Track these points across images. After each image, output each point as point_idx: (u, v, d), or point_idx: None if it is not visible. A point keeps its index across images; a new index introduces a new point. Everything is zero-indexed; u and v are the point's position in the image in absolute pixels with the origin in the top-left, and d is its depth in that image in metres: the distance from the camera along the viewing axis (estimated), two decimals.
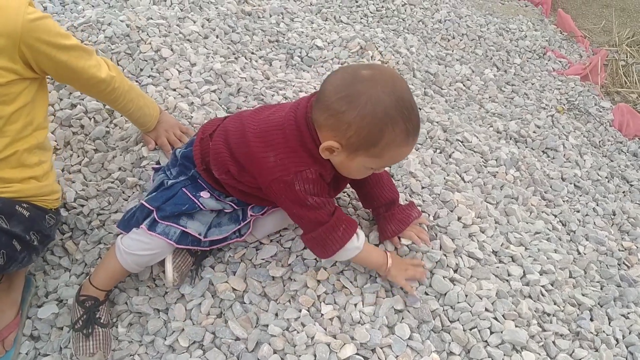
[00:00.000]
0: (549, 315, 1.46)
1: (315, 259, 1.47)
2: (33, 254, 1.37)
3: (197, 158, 1.41)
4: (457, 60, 2.96)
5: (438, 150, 2.00)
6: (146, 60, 2.06)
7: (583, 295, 1.57)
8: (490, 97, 2.74)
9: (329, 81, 1.16)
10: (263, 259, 1.49)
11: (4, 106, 1.25)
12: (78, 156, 1.80)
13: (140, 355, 1.41)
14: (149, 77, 2.02)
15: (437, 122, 2.14)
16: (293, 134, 1.22)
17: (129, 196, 1.68)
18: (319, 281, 1.43)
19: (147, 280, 1.51)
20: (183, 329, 1.40)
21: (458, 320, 1.38)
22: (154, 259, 1.41)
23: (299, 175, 1.21)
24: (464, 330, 1.36)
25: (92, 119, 1.88)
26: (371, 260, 1.40)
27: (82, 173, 1.76)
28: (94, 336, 1.39)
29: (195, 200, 1.38)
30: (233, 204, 1.43)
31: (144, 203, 1.40)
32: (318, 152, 1.20)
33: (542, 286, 1.52)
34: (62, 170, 1.73)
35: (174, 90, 1.99)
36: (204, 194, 1.40)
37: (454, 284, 1.44)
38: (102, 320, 1.41)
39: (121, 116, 1.89)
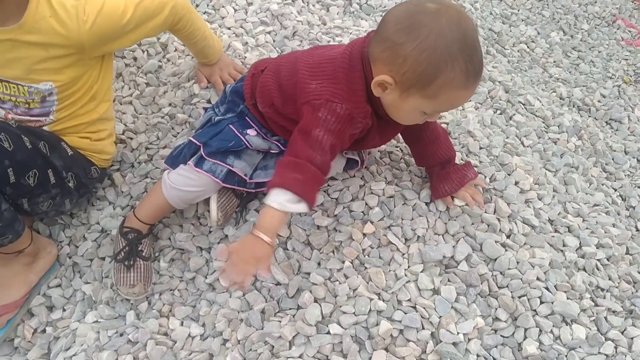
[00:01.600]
0: (602, 290, 1.39)
1: (363, 211, 1.43)
2: (66, 198, 1.38)
3: (247, 92, 1.37)
4: (522, 20, 2.81)
5: (499, 111, 1.90)
6: None
7: (639, 272, 1.50)
8: (554, 62, 2.60)
9: (390, 12, 1.10)
10: None
11: (68, 85, 1.30)
12: (129, 88, 1.78)
13: (180, 291, 1.41)
14: (204, 13, 1.97)
15: (499, 82, 2.04)
16: (343, 67, 1.17)
17: (178, 132, 1.66)
18: (364, 234, 1.39)
19: (191, 217, 1.50)
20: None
21: (507, 286, 1.33)
22: (200, 196, 1.39)
23: (328, 104, 1.14)
24: (512, 298, 1.31)
25: (146, 52, 1.85)
26: (266, 219, 1.13)
27: (133, 105, 1.74)
28: (135, 268, 1.39)
29: (241, 137, 1.34)
30: (280, 145, 1.38)
31: (192, 139, 1.37)
32: (364, 90, 1.15)
33: (598, 260, 1.45)
34: (114, 101, 1.71)
35: (229, 29, 1.94)
36: (251, 132, 1.36)
37: (506, 250, 1.38)
38: (144, 253, 1.41)
39: (174, 51, 1.86)
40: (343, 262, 1.34)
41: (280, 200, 1.10)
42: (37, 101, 1.28)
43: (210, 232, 1.47)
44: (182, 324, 1.35)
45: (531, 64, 2.50)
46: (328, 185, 1.49)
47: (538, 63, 2.53)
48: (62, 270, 1.47)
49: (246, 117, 1.38)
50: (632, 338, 1.31)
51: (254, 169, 1.38)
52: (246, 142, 1.34)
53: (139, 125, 1.67)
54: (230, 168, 1.33)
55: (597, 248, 1.47)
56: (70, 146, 1.37)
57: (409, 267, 1.34)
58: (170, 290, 1.41)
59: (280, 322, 1.26)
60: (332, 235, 1.40)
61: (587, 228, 1.52)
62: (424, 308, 1.27)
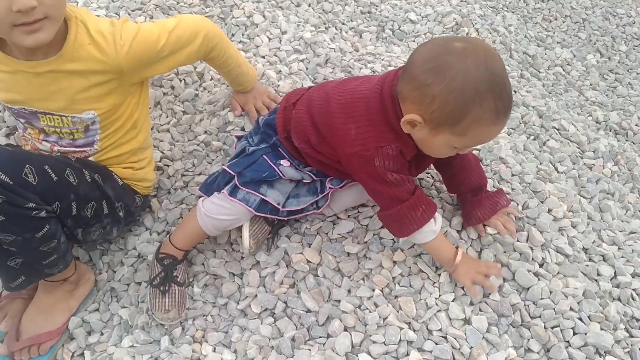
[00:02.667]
0: (637, 320, 1.36)
1: (393, 239, 1.43)
2: (115, 227, 1.45)
3: (280, 126, 1.40)
4: (557, 43, 2.80)
5: (532, 137, 1.89)
6: (238, 26, 2.06)
7: None
8: (591, 85, 2.57)
9: (417, 52, 1.13)
10: (339, 234, 1.47)
11: (110, 113, 1.35)
12: (167, 116, 1.83)
13: (213, 317, 1.43)
14: (239, 42, 2.02)
15: (532, 107, 2.03)
16: (376, 106, 1.20)
17: (213, 160, 1.70)
18: (395, 262, 1.39)
19: (224, 244, 1.53)
20: (256, 295, 1.41)
21: (540, 317, 1.31)
22: (233, 224, 1.42)
23: (379, 151, 1.18)
24: (545, 328, 1.29)
25: (183, 81, 1.91)
26: (442, 251, 1.33)
27: (170, 133, 1.79)
28: (170, 293, 1.42)
29: (275, 167, 1.37)
30: (312, 175, 1.42)
31: (226, 168, 1.41)
32: (400, 126, 1.17)
33: (634, 289, 1.42)
34: (152, 129, 1.77)
35: (263, 57, 1.99)
36: (284, 162, 1.39)
37: (539, 279, 1.36)
38: (178, 279, 1.44)
39: (210, 80, 1.91)
40: (373, 290, 1.35)
41: (425, 236, 1.28)
42: (81, 131, 1.33)
43: (242, 258, 1.49)
44: (214, 350, 1.37)
45: (566, 87, 2.48)
46: (358, 212, 1.51)
47: (574, 86, 2.51)
48: (100, 294, 1.51)
49: (279, 149, 1.42)
50: None
51: (286, 198, 1.41)
52: (279, 173, 1.37)
53: (176, 152, 1.72)
54: (263, 197, 1.37)
55: (632, 277, 1.44)
56: (119, 177, 1.43)
57: (439, 295, 1.34)
58: (204, 315, 1.43)
59: (310, 350, 1.27)
60: (362, 263, 1.41)
61: (622, 257, 1.50)
62: (455, 338, 1.27)
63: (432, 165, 1.52)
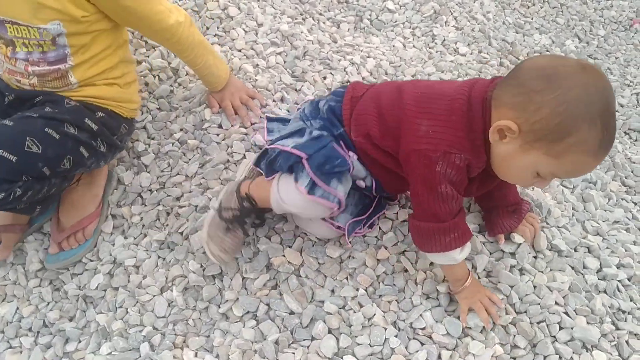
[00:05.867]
0: (624, 312, 1.36)
1: (377, 236, 1.41)
2: (101, 160, 1.49)
3: (347, 116, 1.26)
4: (536, 29, 2.77)
5: None
6: (213, 19, 2.01)
7: None
8: None
9: (530, 60, 1.04)
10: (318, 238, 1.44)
11: (83, 36, 1.35)
12: (142, 113, 1.78)
13: (194, 321, 1.39)
14: (214, 36, 1.97)
15: None
16: (461, 108, 1.08)
17: (190, 159, 1.65)
18: (378, 260, 1.37)
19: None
20: (237, 299, 1.37)
21: (525, 312, 1.30)
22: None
23: (446, 157, 1.07)
24: (530, 324, 1.28)
25: (157, 77, 1.86)
26: (455, 273, 1.26)
27: (146, 129, 1.74)
28: (233, 235, 1.36)
29: (347, 156, 1.22)
30: (374, 180, 1.31)
31: (289, 149, 1.20)
32: (481, 137, 1.06)
33: (619, 281, 1.41)
34: None
35: (239, 51, 1.94)
36: (353, 155, 1.25)
37: (522, 274, 1.35)
38: (246, 226, 1.38)
39: (185, 75, 1.86)
40: (357, 289, 1.32)
41: (444, 259, 1.21)
42: (49, 43, 1.32)
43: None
44: (196, 355, 1.34)
45: None
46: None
47: None
48: (74, 302, 1.46)
49: (341, 142, 1.26)
50: None
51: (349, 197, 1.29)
52: (350, 164, 1.22)
53: (151, 152, 1.67)
54: (332, 192, 1.19)
55: (617, 268, 1.44)
56: (97, 116, 1.43)
57: (423, 293, 1.32)
58: (184, 320, 1.39)
59: (294, 354, 1.24)
60: (345, 262, 1.39)
61: (607, 247, 1.49)
62: (441, 335, 1.25)
63: None
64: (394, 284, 1.34)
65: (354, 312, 1.29)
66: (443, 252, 1.18)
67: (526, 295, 1.31)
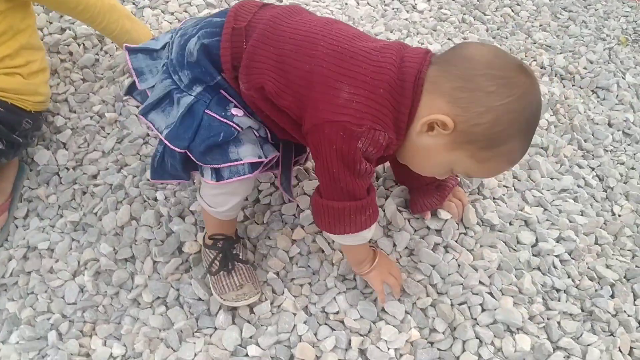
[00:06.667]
0: (558, 291, 1.27)
1: (294, 214, 1.32)
2: (1, 158, 1.36)
3: (227, 59, 0.99)
4: None
5: None
6: None
7: (607, 267, 1.36)
8: (541, 25, 2.40)
9: (472, 48, 0.92)
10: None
11: None
12: (65, 85, 1.68)
13: (105, 307, 1.32)
14: None
15: None
16: (389, 82, 0.91)
17: (108, 134, 1.56)
18: (294, 241, 1.28)
19: (113, 228, 1.40)
20: (147, 285, 1.30)
21: (446, 294, 1.21)
22: (241, 202, 1.17)
23: (371, 133, 0.90)
24: (451, 306, 1.19)
25: (82, 45, 1.75)
26: (360, 253, 1.15)
27: (68, 102, 1.64)
28: (237, 270, 1.21)
29: (228, 122, 1.00)
30: (267, 129, 1.09)
31: (170, 146, 1.01)
32: (406, 120, 0.93)
33: (557, 256, 1.31)
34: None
35: (172, 14, 1.82)
36: (236, 112, 1.02)
37: (447, 252, 1.25)
38: (241, 257, 1.24)
39: (112, 42, 1.75)
40: (267, 272, 1.24)
41: (354, 239, 1.07)
42: None
43: (135, 243, 1.37)
44: (105, 344, 1.27)
45: (513, 30, 2.31)
46: (259, 190, 1.38)
47: (522, 28, 2.34)
48: None
49: (222, 92, 1.03)
50: (587, 345, 1.19)
51: (261, 145, 1.07)
52: (236, 126, 1.01)
53: (69, 127, 1.57)
54: (239, 163, 1.02)
55: (556, 242, 1.34)
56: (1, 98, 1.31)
57: (339, 274, 1.23)
58: (94, 306, 1.32)
59: (195, 343, 1.17)
60: (261, 241, 1.30)
61: (547, 219, 1.38)
62: (353, 320, 1.16)
63: None
64: (309, 266, 1.25)
65: (261, 300, 1.20)
66: (356, 233, 1.05)
67: (449, 275, 1.22)
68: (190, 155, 1.01)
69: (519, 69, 0.89)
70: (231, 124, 1.00)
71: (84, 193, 1.48)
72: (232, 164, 1.02)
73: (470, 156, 0.92)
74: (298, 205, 1.33)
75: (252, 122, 1.04)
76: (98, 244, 1.39)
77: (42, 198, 1.49)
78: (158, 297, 1.28)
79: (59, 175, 1.52)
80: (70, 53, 1.73)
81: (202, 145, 0.99)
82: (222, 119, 1.00)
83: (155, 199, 1.42)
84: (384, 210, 1.31)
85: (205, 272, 1.26)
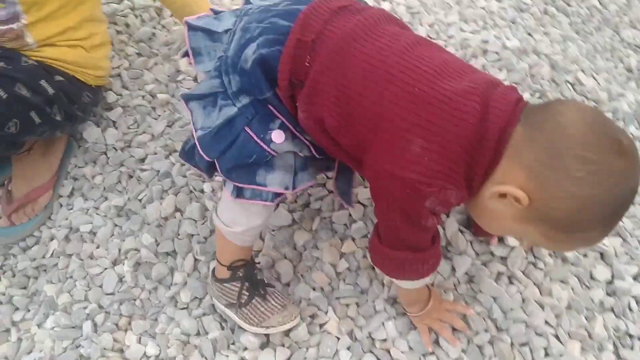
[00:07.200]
0: (631, 337, 1.14)
1: (345, 224, 1.22)
2: (57, 130, 1.34)
3: (285, 78, 0.87)
4: None
5: (537, 94, 1.59)
6: None
7: None
8: (630, 22, 2.19)
9: (572, 114, 0.76)
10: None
11: None
12: (119, 58, 1.62)
13: (142, 301, 1.27)
14: None
15: (545, 55, 1.71)
16: (468, 139, 0.77)
17: (159, 115, 1.49)
18: (342, 254, 1.19)
19: (155, 219, 1.34)
20: (186, 283, 1.24)
21: (506, 331, 1.10)
22: (258, 228, 1.08)
23: (442, 193, 0.80)
24: (511, 345, 1.09)
25: (139, 17, 1.68)
26: (415, 294, 1.07)
27: (121, 78, 1.58)
28: (270, 294, 1.13)
29: (263, 146, 0.90)
30: (312, 148, 0.97)
31: (199, 150, 0.94)
32: (481, 180, 0.81)
33: (633, 297, 1.18)
34: None
35: None
36: (276, 136, 0.91)
37: (511, 284, 1.14)
38: (266, 282, 1.18)
39: (170, 16, 1.68)
40: (314, 288, 1.16)
41: (413, 284, 1.00)
42: None
43: (177, 236, 1.31)
44: (139, 341, 1.22)
45: (599, 26, 2.11)
46: (309, 194, 1.29)
47: (609, 24, 2.14)
48: (25, 269, 1.36)
49: (269, 107, 0.92)
50: None
51: (294, 173, 0.97)
52: (271, 152, 0.91)
53: (120, 105, 1.51)
54: (263, 189, 0.95)
55: (634, 280, 1.20)
56: (55, 80, 1.27)
57: (389, 297, 1.14)
58: (132, 300, 1.27)
59: (228, 358, 1.10)
60: (307, 251, 1.21)
61: (625, 253, 1.25)
62: (401, 352, 1.07)
63: None
64: (357, 284, 1.16)
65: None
66: (415, 280, 0.98)
67: (511, 310, 1.11)
68: (217, 166, 0.95)
69: (617, 150, 0.74)
70: (267, 148, 0.91)
71: (130, 177, 1.42)
72: (255, 187, 0.95)
73: (542, 233, 0.81)
74: (350, 214, 1.23)
75: (294, 146, 0.94)
76: (140, 233, 1.33)
77: (88, 177, 1.44)
78: (196, 298, 1.22)
79: (106, 155, 1.46)
80: (127, 25, 1.66)
81: (231, 163, 0.92)
82: (258, 141, 0.91)
83: (202, 191, 1.35)
84: (443, 229, 1.20)
85: (227, 308, 1.16)
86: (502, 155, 0.78)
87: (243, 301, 1.12)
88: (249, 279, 1.12)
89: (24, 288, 1.35)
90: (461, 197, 0.83)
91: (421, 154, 0.78)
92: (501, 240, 1.18)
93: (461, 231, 1.20)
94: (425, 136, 0.78)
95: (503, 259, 1.17)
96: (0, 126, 1.17)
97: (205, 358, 1.13)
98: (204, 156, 0.94)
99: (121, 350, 1.22)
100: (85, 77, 1.35)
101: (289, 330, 1.12)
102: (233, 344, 1.14)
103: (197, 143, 0.94)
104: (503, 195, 0.79)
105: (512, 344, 1.09)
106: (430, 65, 0.81)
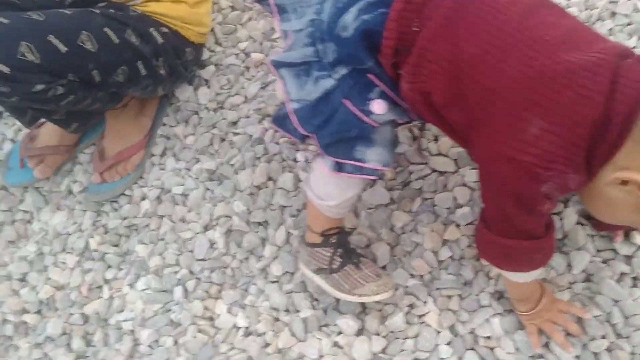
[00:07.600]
0: None
1: (448, 207, 1.13)
2: (159, 85, 1.33)
3: (390, 45, 0.79)
4: None
5: None
6: None
7: None
8: None
9: None
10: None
11: None
12: (213, 11, 1.55)
13: (233, 270, 1.25)
14: None
15: None
16: (593, 119, 0.67)
17: (253, 76, 1.43)
18: (445, 241, 1.10)
19: (248, 187, 1.30)
20: (277, 256, 1.20)
21: (628, 338, 0.99)
22: (353, 198, 1.02)
23: (561, 177, 0.72)
24: (632, 354, 0.98)
25: None
26: (526, 289, 0.97)
27: (214, 33, 1.52)
28: (364, 263, 1.08)
29: (363, 117, 0.85)
30: (413, 116, 0.91)
31: (296, 123, 0.89)
32: (601, 164, 0.71)
33: None
34: None
35: None
36: (377, 105, 0.85)
37: (635, 287, 1.02)
38: (358, 251, 1.12)
39: None
40: (412, 275, 1.09)
41: (524, 276, 0.92)
42: None
43: (271, 208, 1.26)
44: (229, 311, 1.21)
45: None
46: (410, 172, 1.20)
47: None
48: (117, 228, 1.37)
49: (369, 76, 0.85)
50: None
51: (392, 146, 0.92)
52: (371, 123, 0.86)
53: (213, 63, 1.46)
54: (362, 165, 0.89)
55: None
56: (162, 31, 1.27)
57: (495, 291, 1.05)
58: (223, 268, 1.25)
59: (320, 340, 1.06)
60: (406, 235, 1.14)
61: None
62: (507, 353, 1.00)
63: None
64: (460, 274, 1.08)
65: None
66: (527, 272, 0.90)
67: (634, 315, 1.00)
68: (315, 140, 0.89)
69: None
70: (367, 119, 0.85)
71: (222, 140, 1.38)
72: (354, 162, 0.89)
73: None
74: (455, 198, 1.14)
75: (395, 114, 0.87)
76: (232, 200, 1.30)
77: (180, 137, 1.41)
78: (287, 272, 1.19)
79: (198, 115, 1.43)
80: None
81: (330, 138, 0.87)
82: (358, 113, 0.85)
83: (295, 160, 1.29)
84: (561, 220, 1.08)
85: (315, 274, 1.09)
86: (626, 137, 0.68)
87: (335, 267, 1.06)
88: (343, 245, 1.07)
89: (116, 246, 1.36)
90: (581, 182, 0.73)
91: (540, 136, 0.69)
92: (627, 237, 1.05)
93: (581, 224, 1.08)
94: (546, 116, 0.69)
95: (628, 258, 1.05)
96: (110, 72, 1.17)
97: (297, 338, 1.10)
98: (301, 130, 0.89)
99: (211, 319, 1.21)
100: (188, 34, 1.32)
101: (385, 317, 1.06)
102: (325, 326, 1.10)
103: (292, 115, 0.89)
104: (624, 182, 0.70)
105: (632, 354, 0.98)
106: (553, 34, 0.71)
